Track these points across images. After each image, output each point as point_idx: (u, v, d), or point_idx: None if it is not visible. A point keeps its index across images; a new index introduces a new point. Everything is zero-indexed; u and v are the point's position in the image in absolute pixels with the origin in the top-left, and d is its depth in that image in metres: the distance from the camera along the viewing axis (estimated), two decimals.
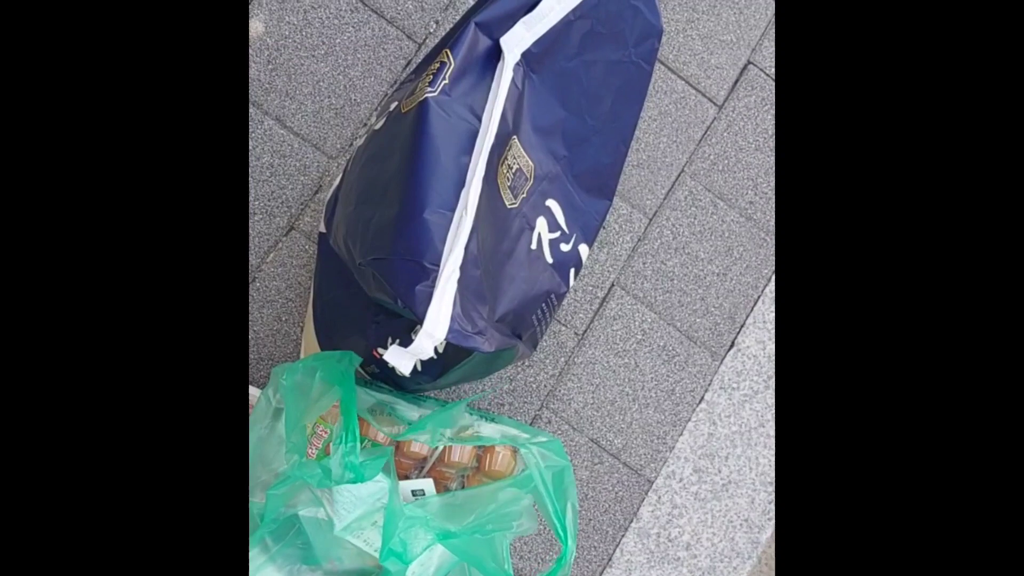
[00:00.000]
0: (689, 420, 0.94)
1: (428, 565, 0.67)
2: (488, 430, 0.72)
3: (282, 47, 0.89)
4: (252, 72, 0.88)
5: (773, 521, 0.95)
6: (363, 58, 0.90)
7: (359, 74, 0.90)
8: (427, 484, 0.71)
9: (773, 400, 0.96)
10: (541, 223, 0.68)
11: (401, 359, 0.59)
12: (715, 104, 0.99)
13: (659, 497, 0.93)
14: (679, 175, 0.97)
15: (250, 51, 0.88)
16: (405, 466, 0.72)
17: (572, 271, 0.72)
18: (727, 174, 0.98)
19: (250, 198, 0.87)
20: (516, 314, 0.65)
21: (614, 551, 0.91)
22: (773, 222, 0.99)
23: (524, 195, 0.66)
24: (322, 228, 0.74)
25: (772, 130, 1.00)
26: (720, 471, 0.94)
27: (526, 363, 0.91)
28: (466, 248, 0.57)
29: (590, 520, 0.91)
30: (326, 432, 0.69)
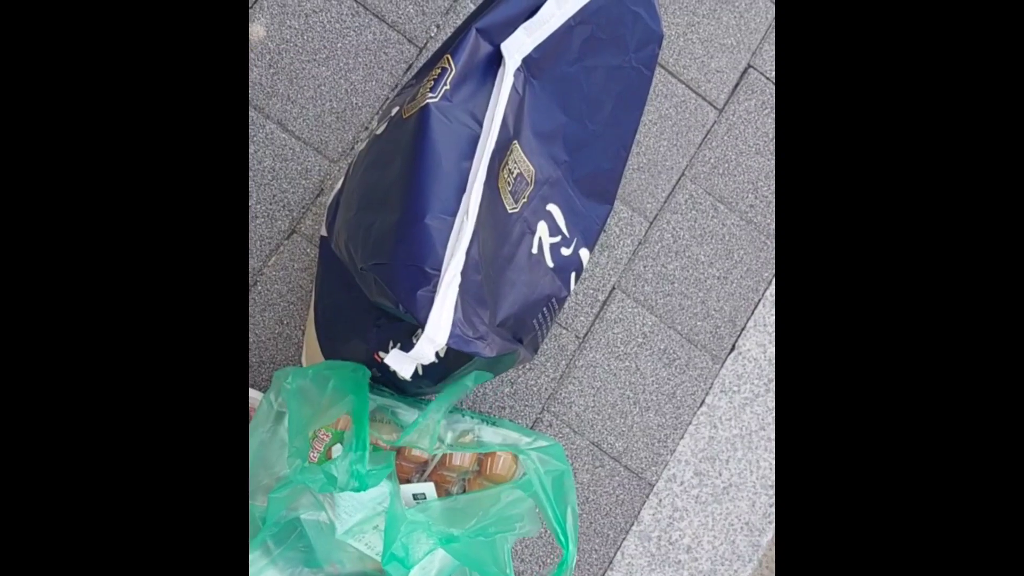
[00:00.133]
0: (690, 423, 0.95)
1: (429, 569, 0.67)
2: (489, 435, 0.72)
3: (283, 51, 0.89)
4: (254, 76, 0.88)
5: (774, 524, 0.95)
6: (364, 62, 0.91)
7: (360, 78, 0.90)
8: (428, 488, 0.71)
9: (774, 403, 0.96)
10: (542, 227, 0.68)
11: (402, 363, 0.59)
12: (715, 108, 0.99)
13: (660, 500, 0.93)
14: (679, 179, 0.97)
15: (252, 55, 0.89)
16: (406, 470, 0.72)
17: (573, 275, 0.72)
18: (727, 178, 0.98)
19: (252, 201, 0.87)
20: (517, 318, 0.65)
21: (615, 554, 0.91)
22: (773, 225, 0.99)
23: (525, 200, 0.66)
24: (323, 232, 0.74)
25: (772, 134, 1.00)
26: (721, 474, 0.94)
27: (527, 366, 0.91)
28: (467, 253, 0.57)
29: (591, 523, 0.91)
30: (328, 436, 0.69)
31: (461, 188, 0.58)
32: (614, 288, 0.94)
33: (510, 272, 0.64)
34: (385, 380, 0.72)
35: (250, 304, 0.86)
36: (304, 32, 0.90)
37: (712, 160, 0.98)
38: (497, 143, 0.60)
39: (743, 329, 0.97)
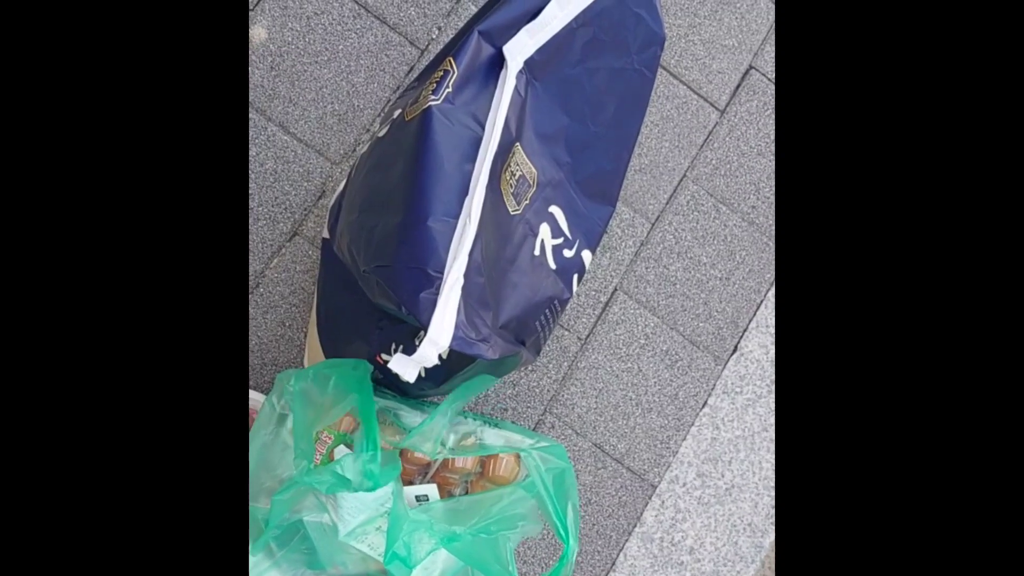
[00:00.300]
0: (692, 424, 0.95)
1: (432, 570, 0.68)
2: (491, 437, 0.72)
3: (285, 53, 0.89)
4: (255, 78, 0.88)
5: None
6: (366, 64, 0.91)
7: (362, 80, 0.90)
8: (431, 489, 0.71)
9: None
10: (544, 229, 0.68)
11: (405, 366, 0.59)
12: (717, 109, 0.99)
13: (662, 501, 0.93)
14: (681, 180, 0.97)
15: (253, 57, 0.89)
16: (409, 471, 0.72)
17: (575, 277, 0.72)
18: (729, 179, 0.98)
19: (254, 204, 0.87)
20: (519, 320, 0.65)
21: (617, 555, 0.91)
22: (775, 226, 0.99)
23: (527, 202, 0.66)
24: (325, 234, 0.74)
25: (774, 134, 1.00)
26: (723, 475, 0.94)
27: (529, 368, 0.91)
28: (470, 255, 0.57)
29: (593, 525, 0.91)
30: (330, 439, 0.69)
31: (463, 190, 0.58)
32: (616, 289, 0.94)
33: (512, 274, 0.64)
34: (387, 382, 0.72)
35: (252, 306, 0.86)
36: (306, 34, 0.90)
37: (714, 161, 0.98)
38: (499, 145, 0.60)
39: (745, 330, 0.97)
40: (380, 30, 0.91)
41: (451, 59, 0.60)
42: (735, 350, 0.97)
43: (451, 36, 0.92)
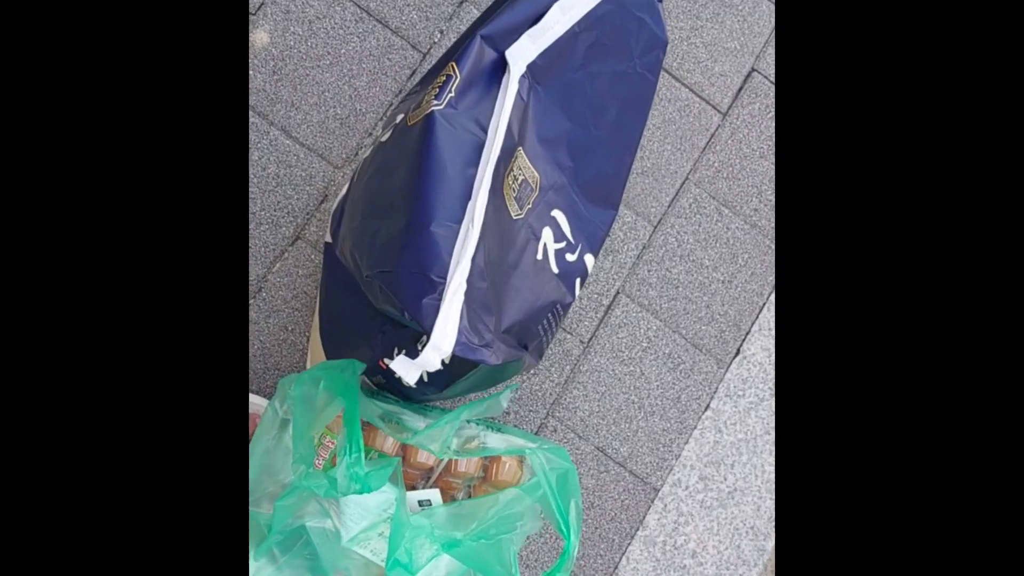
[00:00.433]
0: (695, 428, 0.94)
1: (435, 575, 0.67)
2: (494, 440, 0.72)
3: (287, 57, 0.89)
4: (257, 83, 0.88)
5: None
6: (368, 68, 0.91)
7: (364, 84, 0.90)
8: (434, 494, 0.71)
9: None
10: (547, 233, 0.68)
11: (408, 370, 0.59)
12: (719, 112, 0.99)
13: (665, 505, 0.93)
14: (683, 183, 0.97)
15: (255, 62, 0.89)
16: (412, 476, 0.72)
17: (578, 281, 0.72)
18: (731, 181, 0.98)
19: (256, 208, 0.87)
20: (522, 325, 0.65)
21: (620, 559, 0.91)
22: None
23: (530, 206, 0.66)
24: (328, 238, 0.74)
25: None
26: (726, 479, 0.94)
27: (531, 371, 0.91)
28: (472, 260, 0.57)
29: (596, 528, 0.91)
30: (333, 443, 0.69)
31: (466, 195, 0.58)
32: (618, 292, 0.94)
33: (515, 279, 0.64)
34: (390, 386, 0.72)
35: (255, 311, 0.86)
36: (308, 38, 0.90)
37: (716, 164, 0.98)
38: (502, 150, 0.60)
39: (748, 333, 0.97)
40: (382, 34, 0.91)
41: (454, 64, 0.60)
42: (737, 353, 0.97)
43: (453, 40, 0.92)
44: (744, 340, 0.97)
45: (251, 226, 0.87)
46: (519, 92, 0.61)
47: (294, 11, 0.90)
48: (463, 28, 0.93)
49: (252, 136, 0.88)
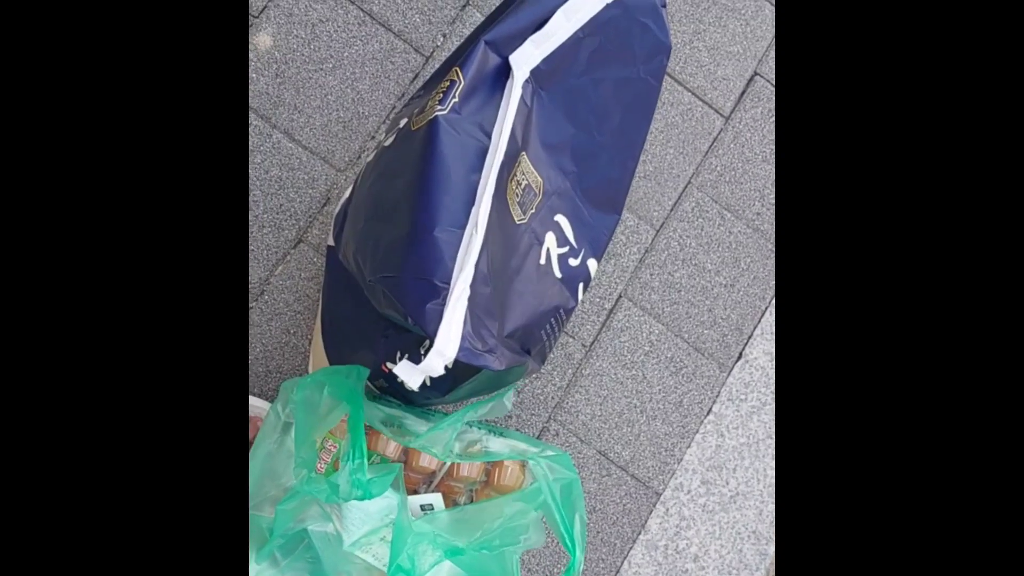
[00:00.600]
0: (697, 432, 0.94)
1: None
2: (496, 445, 0.72)
3: (290, 60, 0.89)
4: (260, 86, 0.88)
5: None
6: (371, 71, 0.91)
7: (367, 87, 0.90)
8: (436, 499, 0.71)
9: None
10: (550, 238, 0.68)
11: (411, 375, 0.59)
12: (722, 116, 0.99)
13: (667, 509, 0.93)
14: (686, 187, 0.97)
15: (258, 64, 0.89)
16: (414, 480, 0.72)
17: (581, 286, 0.72)
18: (734, 185, 0.98)
19: (258, 211, 0.87)
20: (525, 330, 0.65)
21: (622, 563, 0.91)
22: None
23: (533, 211, 0.66)
24: (330, 241, 0.74)
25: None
26: (728, 483, 0.94)
27: (534, 375, 0.91)
28: (476, 265, 0.57)
29: (598, 532, 0.91)
30: (335, 447, 0.69)
31: (470, 201, 0.58)
32: (621, 296, 0.94)
33: (518, 283, 0.64)
34: (393, 391, 0.72)
35: (257, 314, 0.86)
36: (310, 42, 0.90)
37: (719, 168, 0.98)
38: (506, 155, 0.60)
39: (750, 337, 0.97)
40: (385, 37, 0.91)
41: (457, 69, 0.60)
42: (740, 357, 0.97)
43: (456, 43, 0.92)
44: (746, 344, 0.97)
45: (254, 229, 0.87)
46: (523, 97, 0.61)
47: (297, 14, 0.90)
48: (466, 32, 0.93)
49: (255, 139, 0.88)
